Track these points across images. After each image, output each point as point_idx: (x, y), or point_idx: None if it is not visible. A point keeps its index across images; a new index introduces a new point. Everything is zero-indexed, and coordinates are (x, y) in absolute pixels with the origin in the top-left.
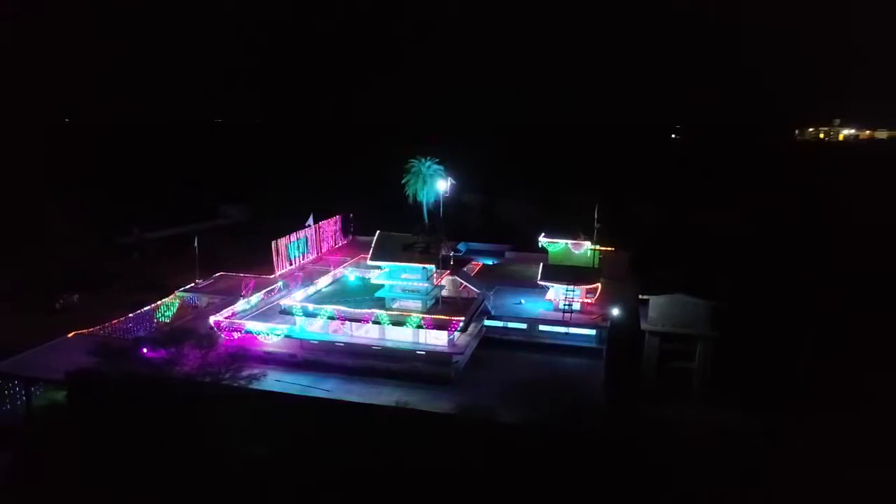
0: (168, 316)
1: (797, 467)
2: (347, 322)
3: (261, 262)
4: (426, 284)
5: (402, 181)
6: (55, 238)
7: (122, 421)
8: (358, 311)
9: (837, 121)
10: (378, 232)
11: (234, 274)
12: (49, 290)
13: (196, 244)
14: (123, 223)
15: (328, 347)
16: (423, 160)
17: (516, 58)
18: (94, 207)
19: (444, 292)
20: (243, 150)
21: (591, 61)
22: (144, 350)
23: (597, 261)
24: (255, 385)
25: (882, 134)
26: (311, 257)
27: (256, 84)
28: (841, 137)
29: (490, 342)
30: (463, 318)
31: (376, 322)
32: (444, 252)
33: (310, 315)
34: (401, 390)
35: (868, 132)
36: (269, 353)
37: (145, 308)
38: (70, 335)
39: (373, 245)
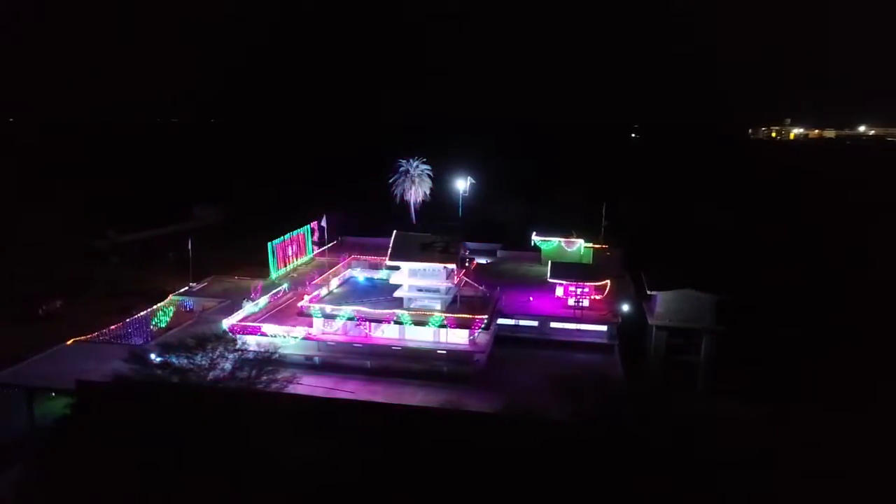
0: (165, 321)
1: (796, 460)
2: (366, 322)
3: (249, 263)
4: (446, 284)
5: (390, 181)
6: (30, 243)
7: (151, 429)
8: (379, 311)
9: (788, 120)
10: (395, 232)
11: (226, 277)
12: (30, 296)
13: (190, 246)
14: (94, 225)
15: (346, 349)
16: (410, 160)
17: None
18: (64, 210)
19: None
20: (208, 150)
21: (547, 63)
22: (153, 356)
23: (590, 258)
24: (287, 389)
25: (830, 133)
26: (304, 258)
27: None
28: (792, 136)
29: (500, 340)
30: (486, 317)
31: (398, 322)
32: (462, 252)
33: (329, 317)
34: (424, 390)
35: (816, 131)
36: (283, 356)
37: (142, 313)
38: (69, 342)
39: (391, 245)
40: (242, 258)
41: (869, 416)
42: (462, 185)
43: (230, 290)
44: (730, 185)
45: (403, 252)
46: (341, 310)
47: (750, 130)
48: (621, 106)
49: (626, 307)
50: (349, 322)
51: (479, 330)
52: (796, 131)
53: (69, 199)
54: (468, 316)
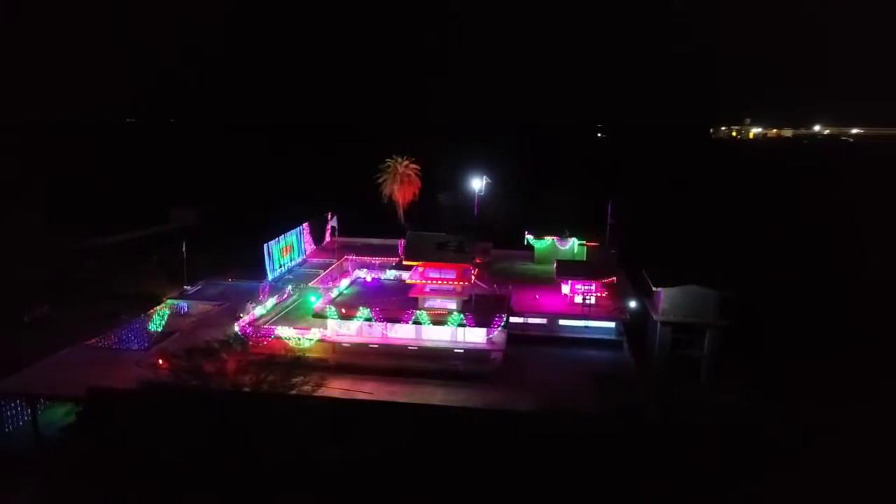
0: (162, 325)
1: (796, 459)
2: (383, 323)
3: (238, 265)
4: (461, 282)
5: (378, 181)
6: (3, 246)
7: (181, 435)
8: (397, 311)
9: (748, 120)
10: (409, 232)
11: (219, 280)
12: (14, 301)
13: (184, 248)
14: (69, 228)
15: (362, 349)
16: (399, 160)
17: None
18: (36, 212)
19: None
20: (189, 151)
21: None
22: (160, 361)
23: (584, 256)
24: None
25: (787, 132)
26: (298, 259)
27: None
28: (751, 135)
29: (510, 338)
30: (505, 315)
31: (416, 322)
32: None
33: (345, 318)
34: (444, 389)
35: (775, 131)
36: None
37: (139, 317)
38: (67, 349)
39: (405, 245)
40: (229, 260)
41: (869, 416)
42: (478, 184)
43: (226, 293)
44: (702, 182)
45: (419, 251)
46: (358, 310)
47: (711, 130)
48: (586, 105)
49: (632, 304)
50: (364, 322)
51: (499, 328)
52: (755, 130)
53: (38, 201)
54: (487, 314)
